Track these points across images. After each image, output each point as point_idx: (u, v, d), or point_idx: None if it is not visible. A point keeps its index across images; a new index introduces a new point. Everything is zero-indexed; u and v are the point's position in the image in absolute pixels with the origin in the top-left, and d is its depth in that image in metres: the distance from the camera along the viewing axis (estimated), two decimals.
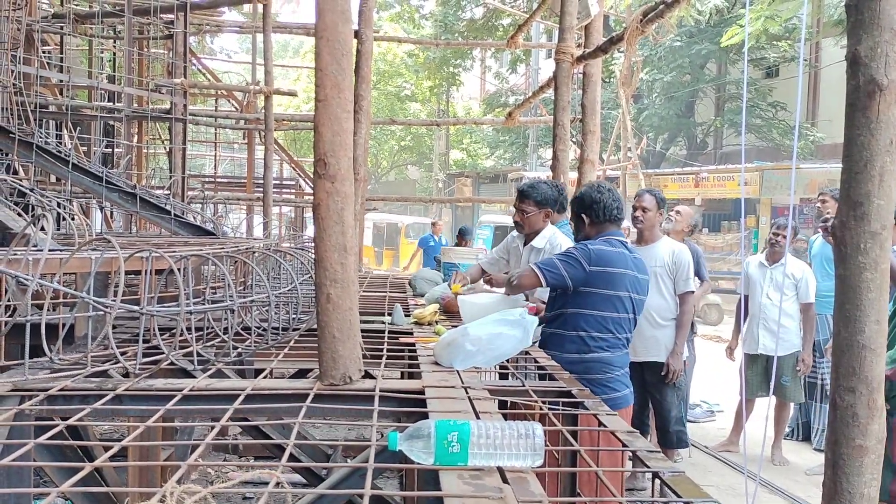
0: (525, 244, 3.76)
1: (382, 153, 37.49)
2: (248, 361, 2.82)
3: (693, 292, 4.40)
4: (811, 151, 18.95)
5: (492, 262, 4.02)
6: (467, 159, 32.90)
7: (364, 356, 2.22)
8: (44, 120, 7.56)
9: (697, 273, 4.95)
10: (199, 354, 2.23)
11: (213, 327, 2.52)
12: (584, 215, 3.11)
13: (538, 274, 2.99)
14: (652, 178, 18.85)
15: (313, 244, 2.01)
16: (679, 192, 18.44)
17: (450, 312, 3.61)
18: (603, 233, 3.10)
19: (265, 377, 2.17)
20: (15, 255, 2.32)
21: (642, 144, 19.65)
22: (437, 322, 3.26)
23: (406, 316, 3.38)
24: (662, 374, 4.34)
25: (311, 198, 2.06)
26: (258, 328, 2.76)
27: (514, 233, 3.92)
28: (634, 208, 4.42)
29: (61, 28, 8.90)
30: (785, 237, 5.16)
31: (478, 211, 29.26)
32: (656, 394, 4.43)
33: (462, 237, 9.55)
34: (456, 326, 3.01)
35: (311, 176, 2.47)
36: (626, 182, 17.77)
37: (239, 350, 2.48)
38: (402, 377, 3.47)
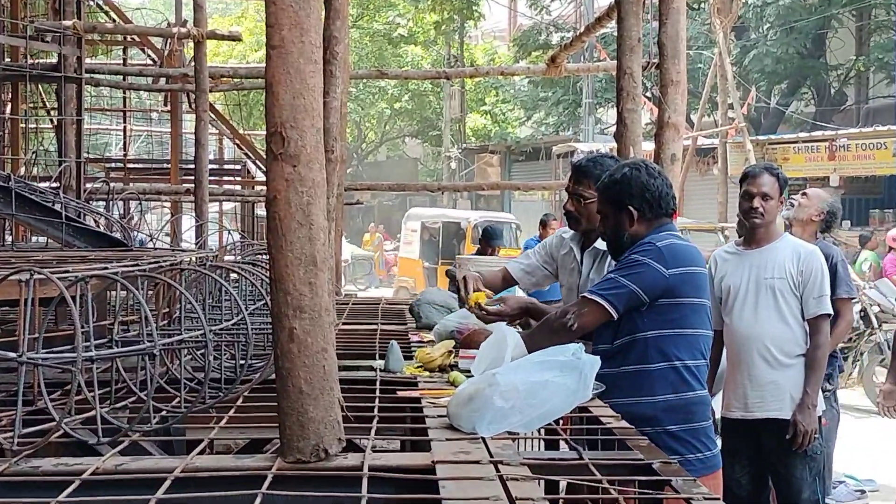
0: (583, 248, 3.75)
1: (368, 121, 37.65)
2: (178, 430, 2.82)
3: (830, 315, 4.37)
4: None
5: (526, 271, 4.00)
6: (492, 127, 32.94)
7: (346, 419, 2.22)
8: None
9: (835, 287, 4.91)
10: (104, 421, 2.23)
11: (124, 380, 2.52)
12: (632, 207, 3.16)
13: (601, 304, 3.04)
14: (766, 148, 18.83)
15: (268, 256, 2.02)
16: (805, 168, 18.37)
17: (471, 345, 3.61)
18: (657, 228, 3.17)
19: (202, 453, 2.17)
20: None
21: (750, 99, 19.64)
22: (451, 367, 3.26)
23: (407, 359, 3.37)
24: (788, 437, 4.30)
25: (265, 189, 2.07)
26: (190, 381, 2.75)
27: (565, 232, 3.91)
28: (749, 195, 4.37)
29: None
30: None
31: (508, 202, 29.31)
32: (780, 467, 4.39)
33: (487, 242, 9.47)
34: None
35: (264, 157, 2.48)
36: (728, 154, 17.77)
37: (163, 413, 2.48)
38: (402, 448, 3.48)
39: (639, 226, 3.17)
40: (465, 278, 3.71)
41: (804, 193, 5.25)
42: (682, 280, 3.05)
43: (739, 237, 5.23)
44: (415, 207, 26.09)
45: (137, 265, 2.84)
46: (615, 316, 3.04)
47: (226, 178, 14.72)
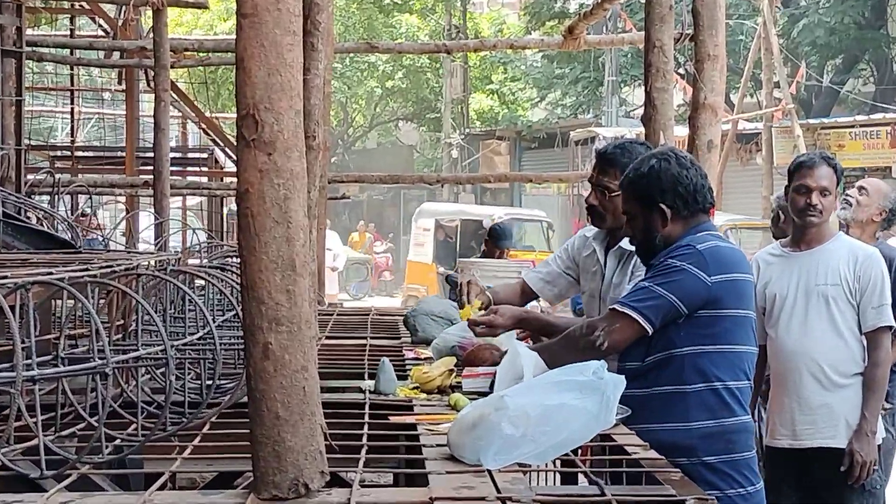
0: (607, 248, 3.76)
1: (356, 102, 37.67)
2: (134, 461, 2.82)
3: (893, 327, 4.37)
4: None
5: (546, 280, 4.01)
6: (500, 109, 32.97)
7: (330, 449, 2.22)
8: None
9: None
10: (49, 451, 2.23)
11: (72, 404, 2.52)
12: (664, 205, 3.16)
13: (635, 318, 3.03)
14: (818, 134, 18.84)
15: (239, 260, 2.02)
16: (864, 157, 18.38)
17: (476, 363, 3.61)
18: (694, 227, 3.18)
19: (163, 488, 2.17)
20: None
21: (799, 76, 19.65)
22: (452, 388, 3.26)
23: (401, 379, 3.38)
24: (843, 469, 4.31)
25: (235, 181, 2.07)
26: (149, 404, 2.75)
27: (588, 231, 3.92)
28: (806, 189, 4.36)
29: None
30: None
31: (518, 196, 29.32)
32: (833, 502, 4.39)
33: (495, 243, 9.48)
34: (487, 394, 3.01)
35: (234, 144, 2.48)
36: (775, 140, 17.78)
37: (117, 442, 2.47)
38: (395, 483, 3.48)
39: (673, 225, 3.16)
40: (468, 283, 3.72)
41: (862, 188, 5.20)
42: (725, 289, 3.05)
43: (775, 238, 5.23)
44: (427, 202, 25.68)
45: (87, 270, 2.84)
46: (650, 331, 3.04)
47: (190, 168, 14.75)
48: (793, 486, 4.45)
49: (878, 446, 4.41)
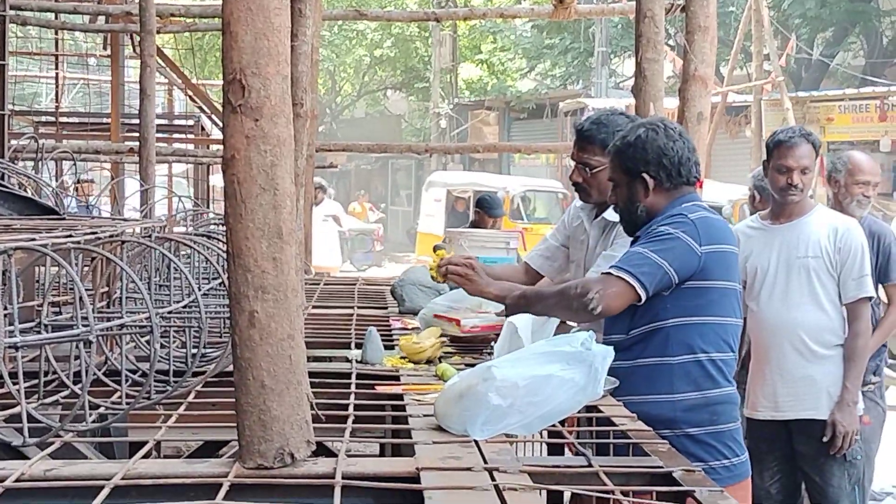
0: (595, 218, 3.76)
1: (344, 70, 37.54)
2: (119, 430, 2.82)
3: (872, 298, 4.39)
4: None
5: (546, 256, 4.00)
6: (489, 79, 32.90)
7: (317, 418, 2.22)
8: None
9: (888, 271, 4.93)
10: (32, 419, 2.22)
11: (55, 371, 2.51)
12: (647, 175, 3.16)
13: (630, 283, 3.00)
14: (807, 107, 18.87)
15: (225, 227, 2.01)
16: (852, 130, 18.44)
17: (464, 339, 3.61)
18: (678, 199, 3.18)
19: (147, 456, 2.17)
20: None
21: (789, 49, 19.63)
22: (440, 359, 3.26)
23: (388, 349, 3.38)
24: (825, 440, 4.34)
25: (221, 148, 2.06)
26: (133, 372, 2.74)
27: (578, 202, 3.92)
28: (786, 169, 4.38)
29: None
30: None
31: (507, 167, 29.31)
32: (814, 474, 4.43)
33: (487, 212, 9.45)
34: (476, 362, 3.02)
35: (221, 111, 2.45)
36: (764, 113, 17.78)
37: (101, 410, 2.47)
38: (381, 453, 3.48)
39: (655, 196, 3.17)
40: (435, 248, 3.72)
41: (865, 182, 5.01)
42: (715, 260, 3.06)
43: (751, 213, 5.24)
44: (438, 172, 25.23)
45: (71, 236, 2.82)
46: (643, 298, 3.02)
47: (176, 135, 14.65)
48: (775, 457, 4.49)
49: (860, 417, 4.45)
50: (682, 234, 3.03)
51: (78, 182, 10.27)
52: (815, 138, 4.45)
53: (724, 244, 3.11)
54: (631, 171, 3.19)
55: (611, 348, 2.44)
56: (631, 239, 3.48)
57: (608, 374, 2.88)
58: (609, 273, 3.03)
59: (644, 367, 3.09)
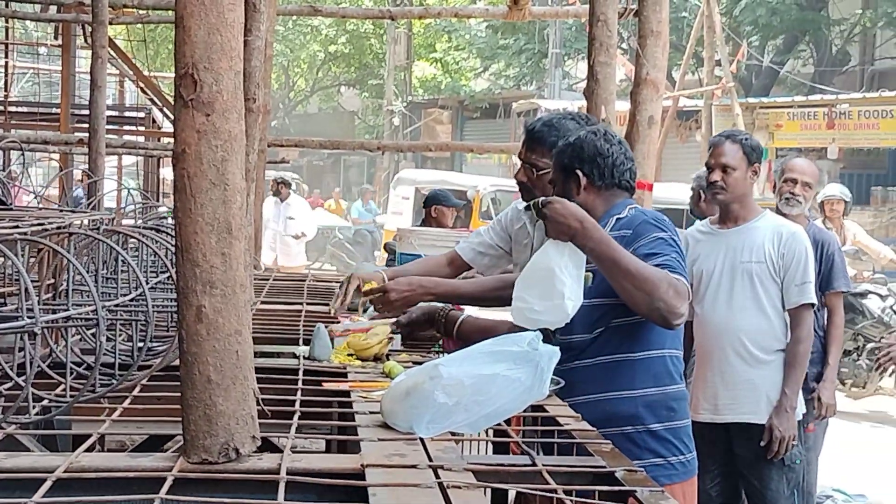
0: (537, 222, 3.77)
1: (298, 66, 37.35)
2: (62, 423, 2.79)
3: (814, 305, 4.46)
4: None
5: (479, 251, 3.98)
6: (443, 78, 32.91)
7: (262, 414, 2.22)
8: None
9: (831, 279, 5.01)
10: None
11: None
12: (579, 171, 3.21)
13: (685, 282, 2.95)
14: (756, 113, 19.08)
15: (174, 221, 2.00)
16: (800, 137, 18.68)
17: (412, 338, 3.62)
18: (614, 203, 3.22)
19: (91, 450, 2.15)
20: None
21: (740, 55, 19.87)
22: (388, 356, 3.26)
23: (336, 346, 3.38)
24: (762, 444, 4.39)
25: (172, 141, 2.05)
26: (78, 365, 2.72)
27: (520, 203, 3.92)
28: (709, 168, 4.45)
29: None
30: None
31: (459, 165, 29.34)
32: (753, 478, 4.48)
33: (443, 203, 9.33)
34: (423, 362, 3.02)
35: (172, 104, 2.44)
36: (714, 118, 17.98)
37: (45, 402, 2.44)
38: (327, 450, 3.48)
39: (587, 194, 3.20)
40: (348, 280, 3.71)
41: (805, 184, 5.05)
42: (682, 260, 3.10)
43: (693, 215, 5.33)
44: (407, 169, 24.82)
45: (17, 227, 2.79)
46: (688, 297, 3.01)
47: (127, 127, 14.50)
48: (715, 460, 4.53)
49: (800, 423, 4.51)
50: (676, 238, 3.07)
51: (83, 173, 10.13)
52: (745, 139, 4.49)
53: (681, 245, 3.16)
54: (566, 169, 3.24)
55: (557, 349, 2.45)
56: None
57: (569, 375, 2.93)
58: (686, 287, 2.94)
59: (606, 364, 3.11)
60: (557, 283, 2.86)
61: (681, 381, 3.19)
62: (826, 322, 5.02)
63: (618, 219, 3.15)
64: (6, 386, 2.53)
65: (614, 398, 3.03)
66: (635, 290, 2.87)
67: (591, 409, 2.76)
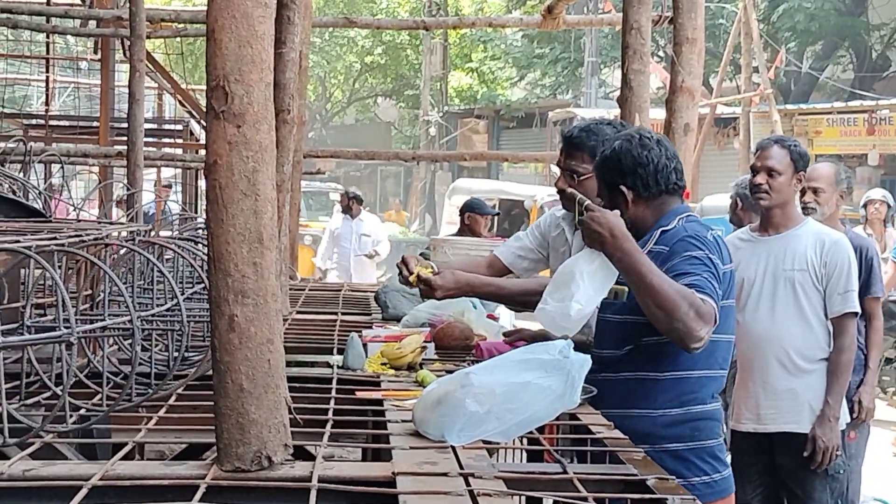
0: (575, 229, 3.77)
1: (334, 77, 37.51)
2: (101, 431, 2.83)
3: (858, 313, 4.41)
4: None
5: (519, 254, 3.98)
6: (479, 88, 32.93)
7: (295, 422, 2.23)
8: None
9: (869, 285, 4.96)
10: (12, 419, 2.23)
11: (37, 373, 2.52)
12: (623, 187, 3.13)
13: (716, 314, 2.85)
14: (795, 119, 18.93)
15: (207, 231, 2.03)
16: (840, 143, 18.50)
17: (445, 346, 3.63)
18: (664, 211, 3.14)
19: (126, 457, 2.18)
20: None
21: (778, 62, 19.72)
22: (421, 365, 3.27)
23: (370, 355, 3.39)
24: (806, 454, 4.35)
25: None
26: (115, 375, 2.75)
27: (558, 210, 3.93)
28: (754, 170, 4.42)
29: None
30: None
31: (496, 175, 29.35)
32: (796, 488, 4.44)
33: (478, 212, 9.27)
34: (457, 369, 3.03)
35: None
36: (752, 125, 17.85)
37: (82, 411, 2.48)
38: (363, 458, 3.49)
39: (636, 208, 3.13)
40: (403, 258, 3.69)
41: (816, 189, 4.92)
42: (728, 279, 3.04)
43: (732, 224, 5.26)
44: (462, 179, 24.57)
45: (55, 238, 2.83)
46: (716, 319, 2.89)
47: (165, 140, 14.62)
48: (757, 470, 4.49)
49: (843, 432, 4.47)
50: (717, 259, 2.96)
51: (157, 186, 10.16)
52: (793, 145, 4.43)
53: (730, 262, 3.10)
54: (610, 185, 3.17)
55: (588, 357, 2.45)
56: None
57: (593, 385, 2.88)
58: (713, 308, 2.84)
59: (630, 381, 3.07)
60: (573, 285, 2.83)
61: (711, 400, 3.11)
62: (866, 327, 4.97)
63: (662, 231, 3.08)
64: (44, 395, 2.56)
65: (635, 415, 2.98)
66: (656, 307, 2.81)
67: (613, 423, 2.73)
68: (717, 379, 3.13)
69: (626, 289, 2.91)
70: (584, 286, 2.83)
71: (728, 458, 3.36)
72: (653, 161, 3.11)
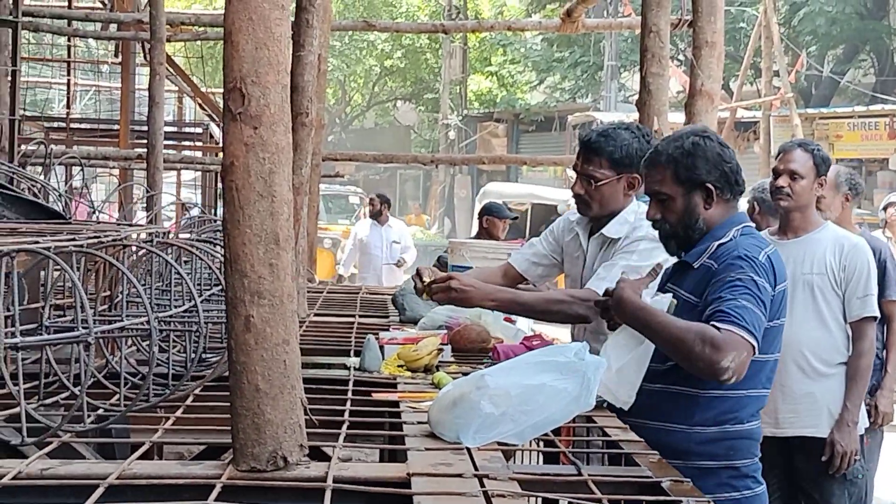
0: (591, 234, 3.76)
1: (354, 81, 37.59)
2: (119, 431, 2.84)
3: (877, 318, 4.39)
4: None
5: (533, 261, 3.97)
6: (498, 91, 32.95)
7: (311, 423, 2.24)
8: None
9: (884, 287, 4.93)
10: (31, 418, 2.25)
11: (56, 373, 2.54)
12: (710, 184, 2.98)
13: (753, 346, 2.78)
14: (816, 123, 18.85)
15: (223, 233, 2.04)
16: (861, 148, 18.41)
17: (462, 349, 3.63)
18: (727, 217, 3.04)
19: (143, 457, 2.19)
20: None
21: (799, 65, 19.63)
22: (437, 367, 3.28)
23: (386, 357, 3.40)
24: (824, 459, 4.33)
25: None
26: (132, 375, 2.76)
27: (572, 214, 3.92)
28: (777, 173, 4.40)
29: None
30: None
31: (514, 179, 29.34)
32: (814, 492, 4.42)
33: (496, 216, 9.28)
34: (472, 371, 3.04)
35: None
36: (773, 129, 17.78)
37: (100, 411, 2.49)
38: (380, 459, 3.50)
39: (715, 209, 2.99)
40: (418, 269, 3.67)
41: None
42: (779, 300, 2.93)
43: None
44: (493, 183, 24.42)
45: (73, 240, 2.85)
46: (756, 350, 2.81)
47: (185, 143, 14.70)
48: (775, 474, 4.47)
49: (861, 437, 4.44)
50: (758, 275, 2.84)
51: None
52: (816, 149, 4.41)
53: (784, 281, 2.98)
54: (690, 182, 2.97)
55: (603, 360, 2.45)
56: (632, 252, 3.47)
57: (637, 396, 2.83)
58: (735, 332, 2.74)
59: (668, 395, 2.98)
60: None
61: (751, 419, 3.04)
62: (885, 331, 4.94)
63: (719, 245, 2.95)
64: (63, 395, 2.58)
65: (670, 429, 2.93)
66: (674, 353, 2.81)
67: (647, 435, 2.69)
68: (759, 398, 3.05)
69: (676, 301, 2.86)
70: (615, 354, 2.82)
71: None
72: (732, 160, 2.99)
